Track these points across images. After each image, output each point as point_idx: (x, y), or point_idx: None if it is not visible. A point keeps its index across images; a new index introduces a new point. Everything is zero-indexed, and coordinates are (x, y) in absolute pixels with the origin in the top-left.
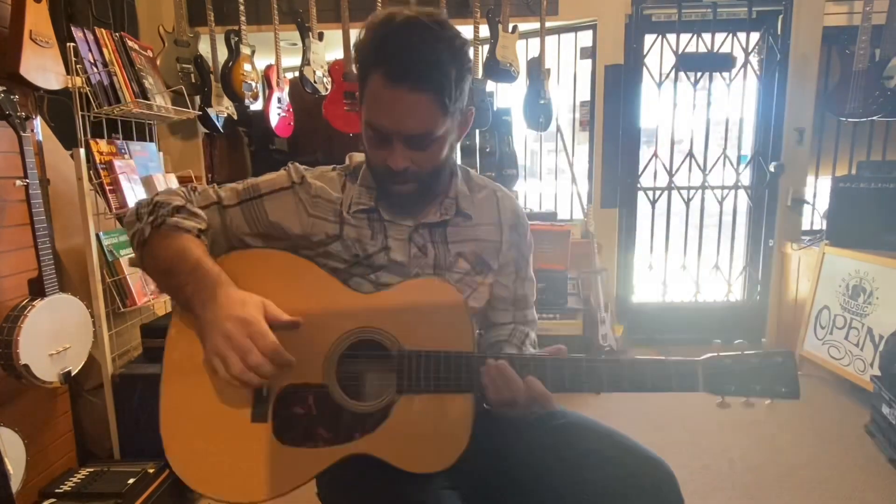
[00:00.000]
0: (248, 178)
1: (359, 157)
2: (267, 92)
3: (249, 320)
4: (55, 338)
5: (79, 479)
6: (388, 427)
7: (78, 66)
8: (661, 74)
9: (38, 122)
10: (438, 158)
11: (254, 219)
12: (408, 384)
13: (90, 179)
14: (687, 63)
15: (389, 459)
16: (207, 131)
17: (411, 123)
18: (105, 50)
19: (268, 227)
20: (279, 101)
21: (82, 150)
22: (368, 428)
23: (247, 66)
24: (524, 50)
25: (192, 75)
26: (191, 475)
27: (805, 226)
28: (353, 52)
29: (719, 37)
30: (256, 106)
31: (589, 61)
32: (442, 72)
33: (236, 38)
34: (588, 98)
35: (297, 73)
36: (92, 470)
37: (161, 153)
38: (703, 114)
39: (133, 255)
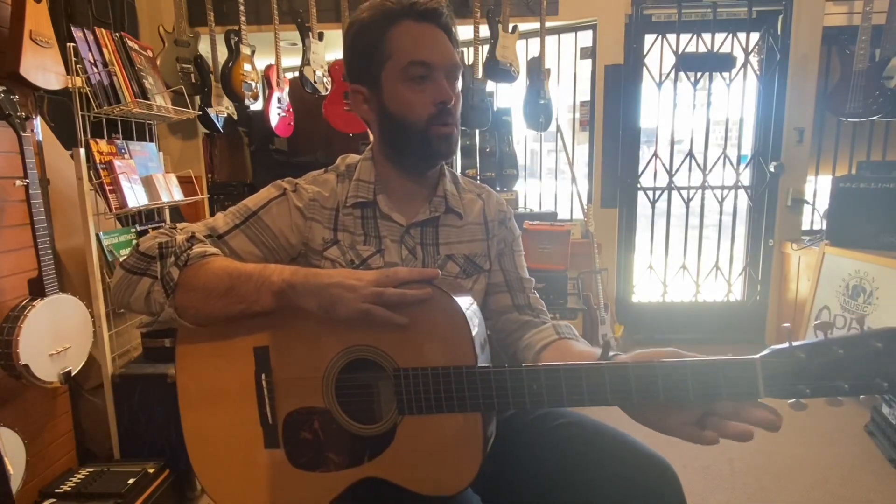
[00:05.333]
0: (234, 205)
1: (352, 157)
2: (267, 92)
3: (359, 274)
4: (55, 338)
5: (79, 479)
6: (395, 449)
7: (78, 66)
8: (661, 74)
9: (38, 122)
10: (461, 103)
11: (259, 237)
12: (408, 404)
13: (90, 179)
14: (687, 63)
15: (401, 482)
16: (207, 131)
17: (449, 53)
18: (105, 50)
19: (273, 240)
20: (279, 101)
21: (82, 150)
22: (376, 451)
23: (247, 66)
24: (524, 50)
25: (192, 75)
26: (226, 502)
27: (805, 226)
28: (354, 34)
29: (719, 37)
30: (256, 106)
31: (589, 61)
32: (450, 18)
33: (236, 38)
34: (588, 98)
35: (297, 73)
36: (92, 470)
37: (161, 153)
38: (703, 114)
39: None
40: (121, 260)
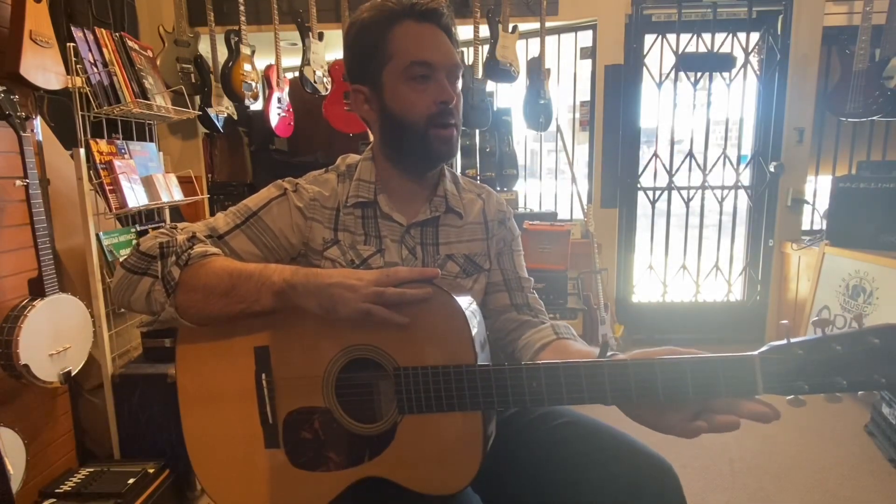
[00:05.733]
0: (234, 205)
1: (352, 157)
2: (267, 92)
3: (359, 273)
4: (55, 338)
5: (79, 479)
6: (395, 448)
7: (78, 66)
8: (661, 74)
9: (38, 122)
10: (461, 103)
11: (259, 237)
12: (408, 403)
13: (90, 179)
14: (687, 63)
15: (401, 482)
16: (207, 131)
17: (450, 53)
18: (105, 50)
19: (274, 240)
20: (279, 101)
21: (82, 150)
22: (377, 450)
23: (247, 66)
24: (524, 50)
25: (192, 75)
26: (226, 502)
27: (805, 226)
28: (355, 34)
29: (719, 37)
30: (256, 106)
31: (589, 61)
32: (451, 19)
33: (236, 38)
34: (588, 98)
35: (297, 73)
36: (92, 470)
37: (161, 153)
38: (703, 114)
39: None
40: (121, 259)
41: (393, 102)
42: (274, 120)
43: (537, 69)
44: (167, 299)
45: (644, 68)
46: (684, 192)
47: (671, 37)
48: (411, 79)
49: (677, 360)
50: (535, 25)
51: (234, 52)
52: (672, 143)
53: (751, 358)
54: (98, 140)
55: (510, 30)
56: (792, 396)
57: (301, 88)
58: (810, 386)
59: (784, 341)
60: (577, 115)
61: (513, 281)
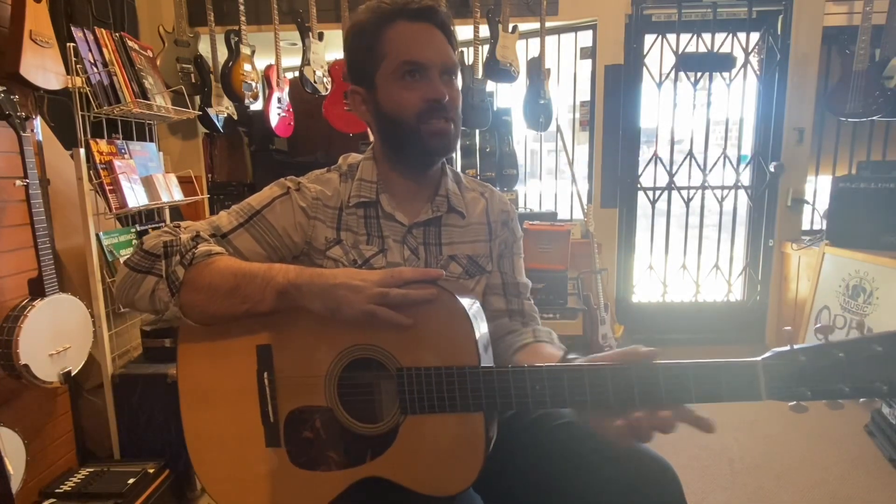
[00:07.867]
0: (236, 204)
1: (354, 157)
2: (267, 92)
3: (363, 274)
4: (55, 338)
5: (79, 479)
6: (397, 449)
7: (78, 66)
8: (661, 74)
9: (38, 122)
10: (459, 100)
11: (263, 236)
12: (410, 404)
13: (90, 179)
14: (687, 63)
15: (402, 482)
16: (207, 131)
17: (445, 51)
18: (105, 50)
19: (277, 238)
20: (279, 101)
21: (82, 150)
22: (378, 450)
23: (247, 66)
24: (524, 50)
25: (192, 75)
26: (226, 501)
27: (805, 226)
28: (352, 36)
29: (719, 37)
30: (256, 106)
31: (589, 61)
32: (447, 16)
33: (236, 38)
34: (588, 98)
35: (297, 73)
36: (92, 470)
37: (161, 153)
38: (703, 114)
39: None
40: (125, 258)
41: (386, 102)
42: (274, 120)
43: (537, 69)
44: (171, 298)
45: (644, 68)
46: (684, 192)
47: (671, 37)
48: (402, 78)
49: (680, 365)
50: (535, 25)
51: (234, 52)
52: (672, 143)
53: (754, 363)
54: (98, 140)
55: (510, 30)
56: (794, 402)
57: (301, 88)
58: (813, 392)
59: (787, 347)
60: (577, 115)
61: (510, 286)
